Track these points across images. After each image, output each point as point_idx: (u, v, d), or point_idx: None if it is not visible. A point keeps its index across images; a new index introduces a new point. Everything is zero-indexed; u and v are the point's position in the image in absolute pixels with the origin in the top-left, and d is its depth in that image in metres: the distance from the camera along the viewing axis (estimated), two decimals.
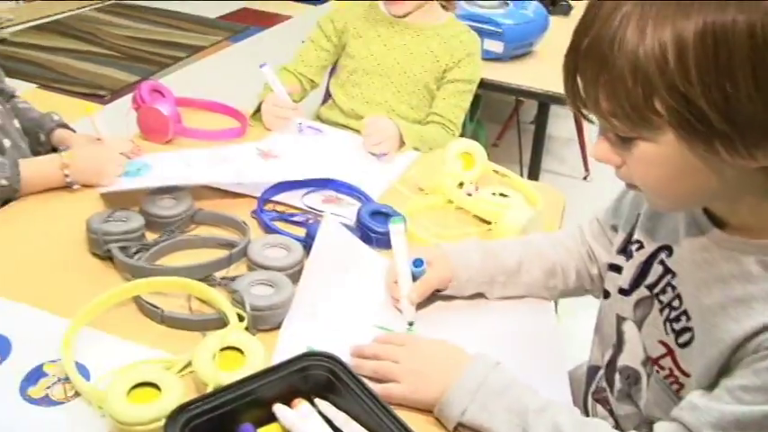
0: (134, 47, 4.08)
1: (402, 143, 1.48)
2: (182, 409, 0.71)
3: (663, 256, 0.84)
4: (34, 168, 1.19)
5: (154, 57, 3.98)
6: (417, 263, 1.00)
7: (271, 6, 5.19)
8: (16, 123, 1.34)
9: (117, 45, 4.09)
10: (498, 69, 2.15)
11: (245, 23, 4.74)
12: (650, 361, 0.85)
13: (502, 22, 2.18)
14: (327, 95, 1.93)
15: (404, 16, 1.70)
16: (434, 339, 0.90)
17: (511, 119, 3.10)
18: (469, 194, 1.28)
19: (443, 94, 1.69)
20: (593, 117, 0.69)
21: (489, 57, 2.14)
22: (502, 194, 1.26)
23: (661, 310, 0.83)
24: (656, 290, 0.84)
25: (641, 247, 0.88)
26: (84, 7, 4.63)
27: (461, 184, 1.30)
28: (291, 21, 4.94)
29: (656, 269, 0.85)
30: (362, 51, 1.72)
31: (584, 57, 0.65)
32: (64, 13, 4.47)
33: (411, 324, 0.97)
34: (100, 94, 3.45)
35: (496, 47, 2.21)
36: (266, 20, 4.90)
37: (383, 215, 1.17)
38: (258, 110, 1.54)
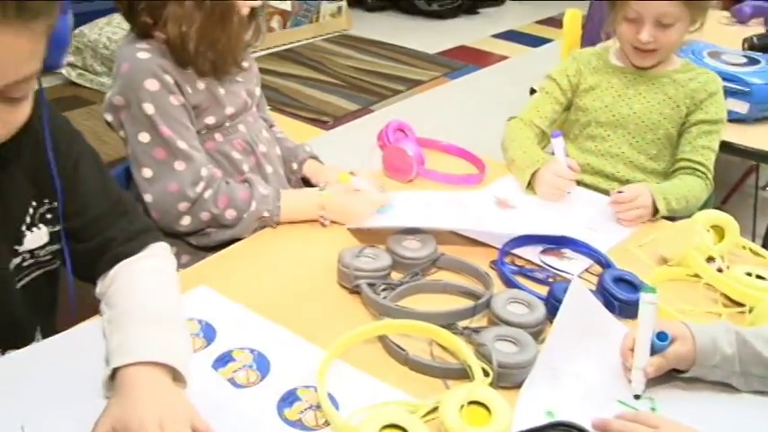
0: (357, 77, 4.30)
1: (655, 211, 1.40)
2: None
3: None
4: (294, 203, 1.28)
5: (375, 87, 4.16)
6: (662, 336, 0.95)
7: (488, 46, 5.27)
8: (277, 151, 1.45)
9: (342, 74, 4.33)
10: (741, 131, 2.01)
11: (462, 61, 4.84)
12: None
13: (750, 81, 2.04)
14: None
15: (648, 68, 1.64)
16: (691, 428, 0.85)
17: (741, 182, 2.89)
18: (720, 270, 1.19)
19: (689, 138, 1.60)
20: None
21: (731, 117, 2.01)
22: (759, 276, 1.17)
23: None
24: None
25: None
26: (316, 37, 4.96)
27: (710, 259, 1.22)
28: (508, 61, 4.97)
29: None
30: (596, 104, 1.68)
31: None
32: (299, 41, 4.82)
33: (637, 397, 0.93)
34: (323, 119, 3.66)
35: (741, 107, 2.07)
36: (483, 59, 4.97)
37: (626, 282, 1.13)
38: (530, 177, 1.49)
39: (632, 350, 0.96)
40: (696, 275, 1.21)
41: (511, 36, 5.59)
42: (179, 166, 1.20)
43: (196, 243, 1.25)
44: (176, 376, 0.88)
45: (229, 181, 1.26)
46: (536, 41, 5.49)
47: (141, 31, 1.23)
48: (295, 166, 1.49)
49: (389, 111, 3.84)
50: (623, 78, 1.65)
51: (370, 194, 1.29)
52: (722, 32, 2.74)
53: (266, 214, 1.24)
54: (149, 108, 1.19)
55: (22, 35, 0.72)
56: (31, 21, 0.72)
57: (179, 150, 1.20)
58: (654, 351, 0.95)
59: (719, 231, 1.29)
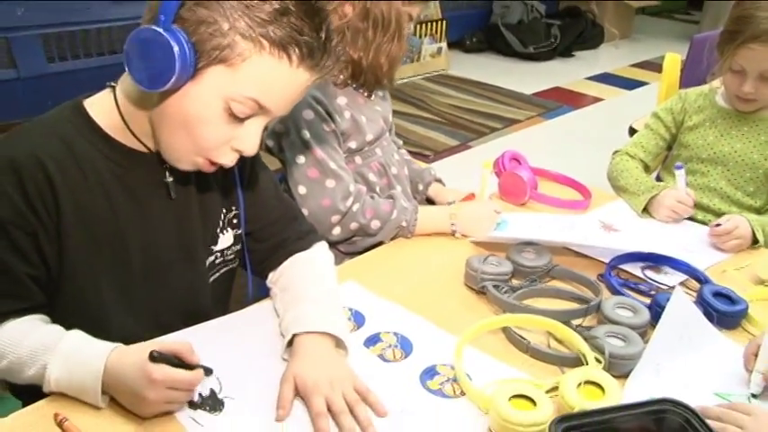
0: (456, 114, 4.51)
1: (755, 240, 1.53)
2: (562, 419, 0.88)
3: None
4: (428, 216, 1.47)
5: (473, 125, 4.36)
6: None
7: (582, 87, 5.39)
8: (405, 171, 1.65)
9: (441, 111, 4.55)
10: None
11: (557, 101, 4.98)
12: None
13: None
14: (657, 181, 2.03)
15: (750, 113, 1.76)
16: None
17: None
18: None
19: None
20: None
21: None
22: None
23: None
24: None
25: None
26: (417, 76, 5.22)
27: None
28: (602, 103, 5.07)
29: None
30: (698, 141, 1.80)
31: None
32: (402, 79, 5.08)
33: (755, 396, 1.05)
34: (425, 153, 3.87)
35: None
36: (577, 100, 5.09)
37: (724, 296, 1.26)
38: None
39: (755, 355, 1.08)
40: None
41: (605, 78, 5.69)
42: (330, 183, 1.41)
43: (344, 250, 1.46)
44: (339, 344, 1.07)
45: (374, 195, 1.47)
46: (630, 84, 5.57)
47: None
48: (421, 187, 1.69)
49: (487, 147, 4.02)
50: (727, 119, 1.77)
51: (492, 206, 1.48)
52: None
53: (404, 224, 1.43)
54: (306, 134, 1.41)
55: (310, 78, 0.95)
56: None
57: (330, 170, 1.41)
58: None
59: None
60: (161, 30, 0.86)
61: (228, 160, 0.99)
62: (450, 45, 5.69)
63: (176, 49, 0.85)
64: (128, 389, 0.91)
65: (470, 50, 6.09)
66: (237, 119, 0.94)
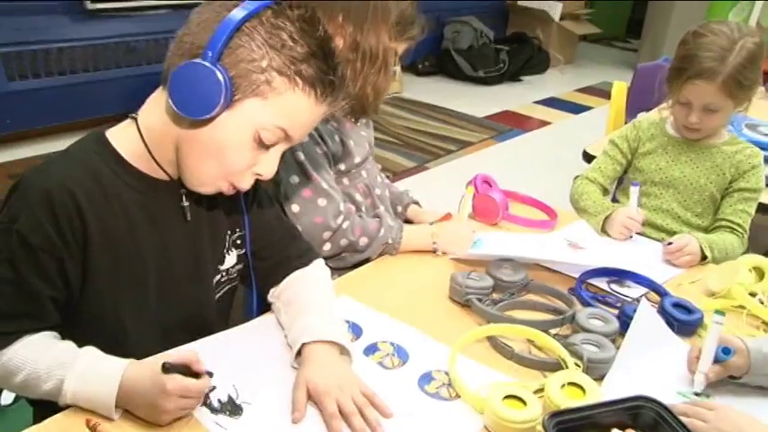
0: (412, 137, 4.66)
1: (703, 257, 1.68)
2: (554, 414, 1.00)
3: None
4: (412, 234, 1.58)
5: (429, 147, 4.50)
6: (726, 351, 1.20)
7: (531, 111, 5.61)
8: (387, 193, 1.75)
9: (397, 133, 4.68)
10: None
11: (507, 125, 5.17)
12: None
13: None
14: (614, 201, 2.19)
15: (697, 140, 1.93)
16: (742, 412, 1.10)
17: None
18: (762, 302, 1.46)
19: (730, 202, 1.87)
20: None
21: None
22: None
23: None
24: None
25: None
26: None
27: (752, 294, 1.48)
28: (550, 126, 5.29)
29: None
30: (651, 166, 1.96)
31: None
32: None
33: (697, 395, 1.18)
34: (385, 174, 3.97)
35: None
36: (527, 124, 5.31)
37: (682, 307, 1.39)
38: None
39: (697, 358, 1.21)
40: (740, 306, 1.47)
41: (552, 103, 5.94)
42: (322, 202, 1.50)
43: (333, 266, 1.54)
44: (343, 352, 1.16)
45: (362, 215, 1.57)
46: (576, 108, 5.82)
47: None
48: (400, 208, 1.79)
49: (444, 168, 4.17)
50: (677, 146, 1.93)
51: (470, 226, 1.60)
52: (758, 106, 3.03)
53: (390, 241, 1.53)
54: (301, 156, 1.50)
55: (327, 110, 1.07)
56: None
57: (322, 190, 1.50)
58: (715, 360, 1.21)
59: (760, 272, 1.55)
60: (208, 64, 0.95)
61: (247, 184, 1.09)
62: (403, 68, 5.85)
63: (222, 80, 0.95)
64: (143, 401, 0.99)
65: (423, 74, 6.27)
66: (264, 146, 1.04)
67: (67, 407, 1.01)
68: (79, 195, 1.03)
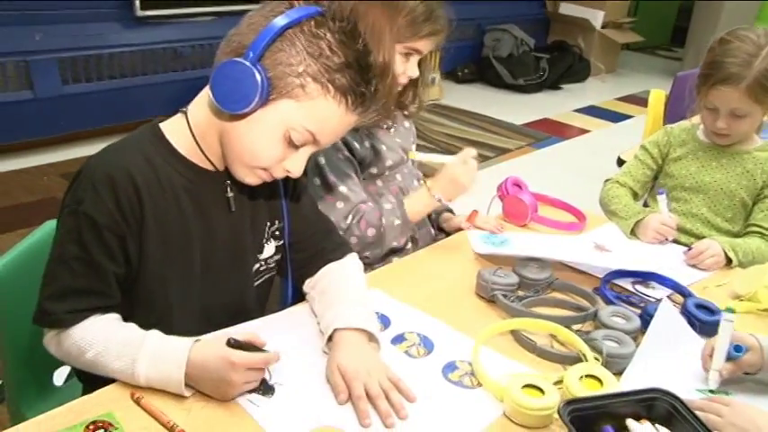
0: (450, 143, 4.71)
1: (729, 261, 1.70)
2: (569, 402, 1.04)
3: None
4: (413, 201, 1.65)
5: None
6: (738, 348, 1.23)
7: (570, 119, 5.61)
8: None
9: (436, 140, 4.74)
10: None
11: (546, 132, 5.19)
12: None
13: None
14: (645, 207, 2.21)
15: (728, 146, 1.95)
16: (758, 408, 1.13)
17: None
18: None
19: (762, 207, 1.88)
20: None
21: None
22: None
23: None
24: None
25: None
26: None
27: None
28: (589, 135, 5.29)
29: None
30: (682, 171, 1.98)
31: None
32: None
33: (714, 392, 1.21)
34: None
35: None
36: (565, 131, 5.32)
37: (705, 308, 1.42)
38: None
39: (710, 356, 1.25)
40: (766, 309, 1.50)
41: (591, 111, 5.94)
42: (339, 204, 1.58)
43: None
44: (371, 339, 1.22)
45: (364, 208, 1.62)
46: (615, 117, 5.81)
47: None
48: (433, 215, 1.85)
49: (482, 174, 4.18)
50: (707, 151, 1.95)
51: (461, 157, 1.69)
52: None
53: (398, 222, 1.60)
54: (321, 159, 1.57)
55: (357, 120, 1.14)
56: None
57: (339, 193, 1.58)
58: (728, 358, 1.24)
59: None
60: (248, 63, 1.03)
61: (280, 174, 1.17)
62: (443, 75, 5.91)
63: (259, 80, 1.03)
64: (211, 375, 1.06)
65: (462, 81, 6.32)
66: (293, 145, 1.12)
67: (113, 381, 1.09)
68: (138, 179, 1.11)
